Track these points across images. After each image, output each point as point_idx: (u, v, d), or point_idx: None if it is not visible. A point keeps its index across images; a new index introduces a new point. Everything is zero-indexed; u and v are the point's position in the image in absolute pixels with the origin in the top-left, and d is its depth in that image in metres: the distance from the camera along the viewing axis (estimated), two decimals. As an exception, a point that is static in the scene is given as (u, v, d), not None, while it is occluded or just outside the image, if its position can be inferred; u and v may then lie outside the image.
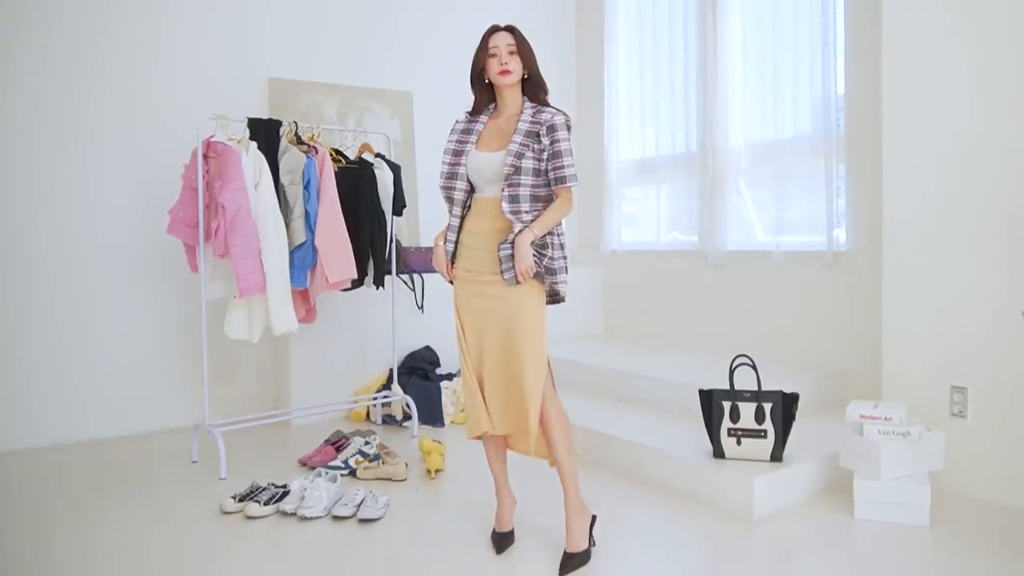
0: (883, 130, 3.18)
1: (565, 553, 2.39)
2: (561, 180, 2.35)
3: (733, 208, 4.42)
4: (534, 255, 2.33)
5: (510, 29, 2.43)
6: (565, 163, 2.35)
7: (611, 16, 5.17)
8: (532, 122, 2.37)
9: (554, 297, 2.46)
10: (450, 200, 2.45)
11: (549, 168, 2.36)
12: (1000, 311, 2.85)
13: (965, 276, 2.94)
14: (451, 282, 2.52)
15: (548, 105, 2.43)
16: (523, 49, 2.41)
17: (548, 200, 2.39)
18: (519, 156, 2.33)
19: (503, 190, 2.35)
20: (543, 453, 2.48)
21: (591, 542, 2.45)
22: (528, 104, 2.42)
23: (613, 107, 5.18)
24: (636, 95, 5.07)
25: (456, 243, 2.47)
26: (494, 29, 2.43)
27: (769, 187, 4.24)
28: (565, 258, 2.43)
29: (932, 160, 3.03)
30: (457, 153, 2.45)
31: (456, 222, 2.46)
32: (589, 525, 2.46)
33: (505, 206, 2.34)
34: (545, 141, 2.35)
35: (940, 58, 3.00)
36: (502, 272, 2.34)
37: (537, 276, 2.34)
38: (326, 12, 4.52)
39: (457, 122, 2.52)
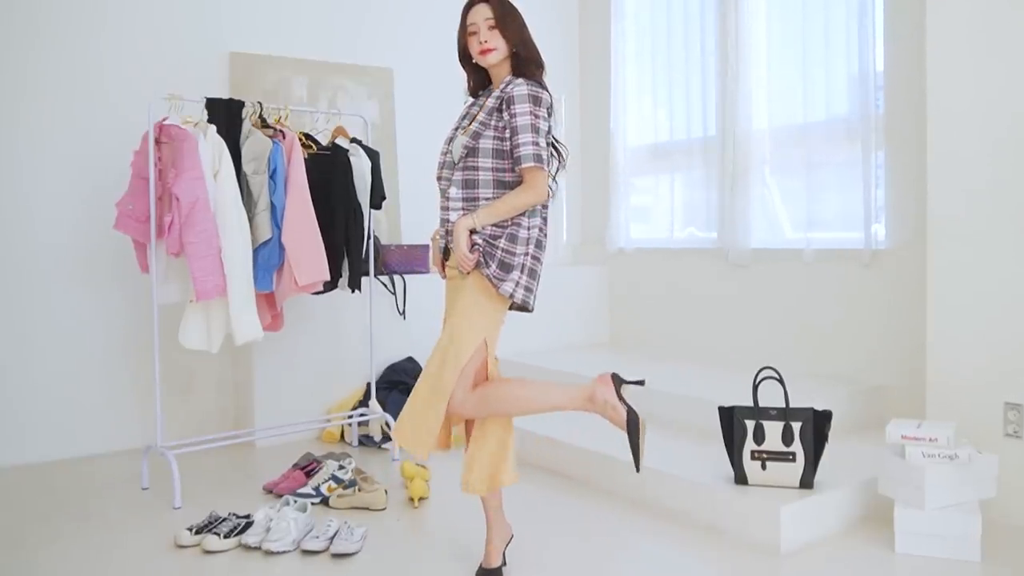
0: (928, 110, 3.17)
1: (628, 436, 2.35)
2: (517, 160, 2.33)
3: (757, 200, 4.42)
4: (482, 245, 2.32)
5: (488, 0, 2.41)
6: (521, 140, 2.32)
7: (619, -17, 5.17)
8: (497, 96, 2.38)
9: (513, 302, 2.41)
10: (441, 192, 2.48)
11: (511, 147, 2.35)
12: (1059, 317, 2.86)
13: (1022, 277, 2.93)
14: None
15: (531, 79, 2.38)
16: (506, 21, 2.39)
17: (518, 185, 2.38)
18: (475, 136, 2.35)
19: (454, 175, 2.36)
20: (480, 486, 2.44)
21: (640, 380, 2.45)
22: (507, 78, 2.41)
23: (620, 85, 5.17)
24: (647, 72, 5.06)
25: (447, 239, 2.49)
26: (471, 3, 2.43)
27: (798, 176, 4.25)
28: (528, 255, 2.39)
29: (984, 144, 3.01)
30: (449, 141, 2.49)
31: (446, 215, 2.46)
32: (615, 390, 2.40)
33: (453, 192, 2.36)
34: (505, 116, 2.34)
35: (993, 26, 2.97)
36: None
37: (479, 267, 2.33)
38: (295, -23, 4.53)
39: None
